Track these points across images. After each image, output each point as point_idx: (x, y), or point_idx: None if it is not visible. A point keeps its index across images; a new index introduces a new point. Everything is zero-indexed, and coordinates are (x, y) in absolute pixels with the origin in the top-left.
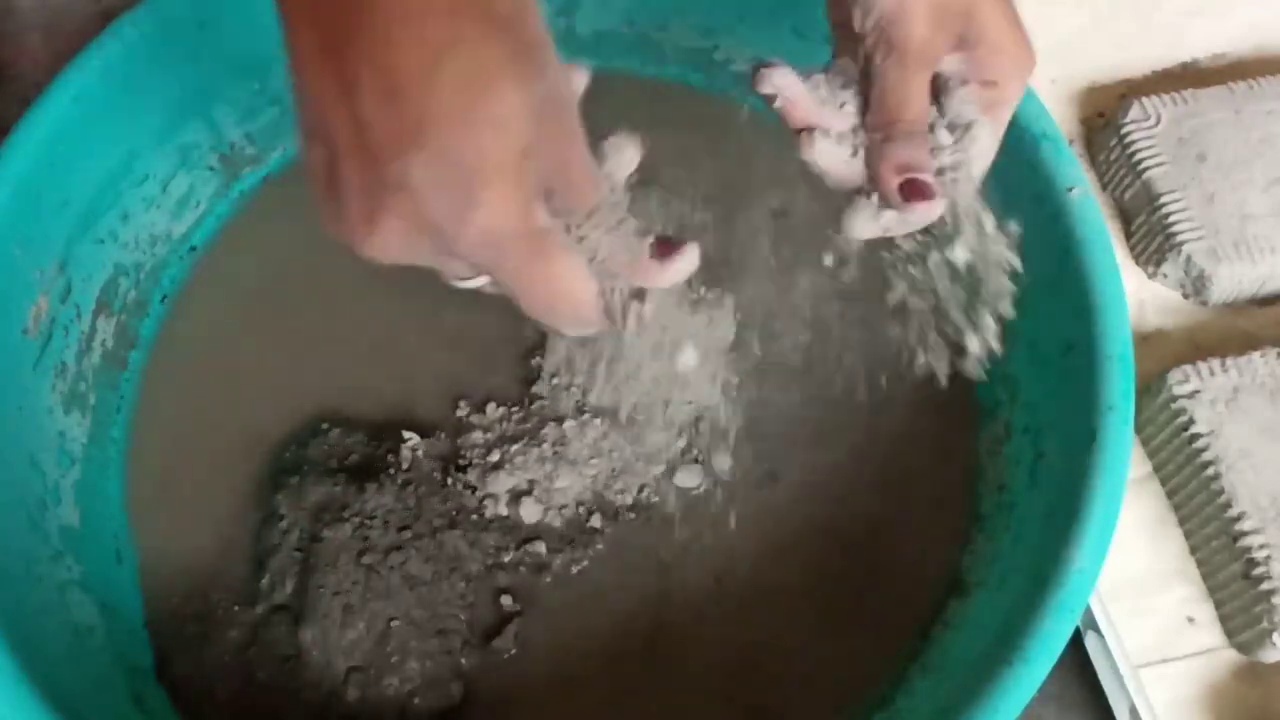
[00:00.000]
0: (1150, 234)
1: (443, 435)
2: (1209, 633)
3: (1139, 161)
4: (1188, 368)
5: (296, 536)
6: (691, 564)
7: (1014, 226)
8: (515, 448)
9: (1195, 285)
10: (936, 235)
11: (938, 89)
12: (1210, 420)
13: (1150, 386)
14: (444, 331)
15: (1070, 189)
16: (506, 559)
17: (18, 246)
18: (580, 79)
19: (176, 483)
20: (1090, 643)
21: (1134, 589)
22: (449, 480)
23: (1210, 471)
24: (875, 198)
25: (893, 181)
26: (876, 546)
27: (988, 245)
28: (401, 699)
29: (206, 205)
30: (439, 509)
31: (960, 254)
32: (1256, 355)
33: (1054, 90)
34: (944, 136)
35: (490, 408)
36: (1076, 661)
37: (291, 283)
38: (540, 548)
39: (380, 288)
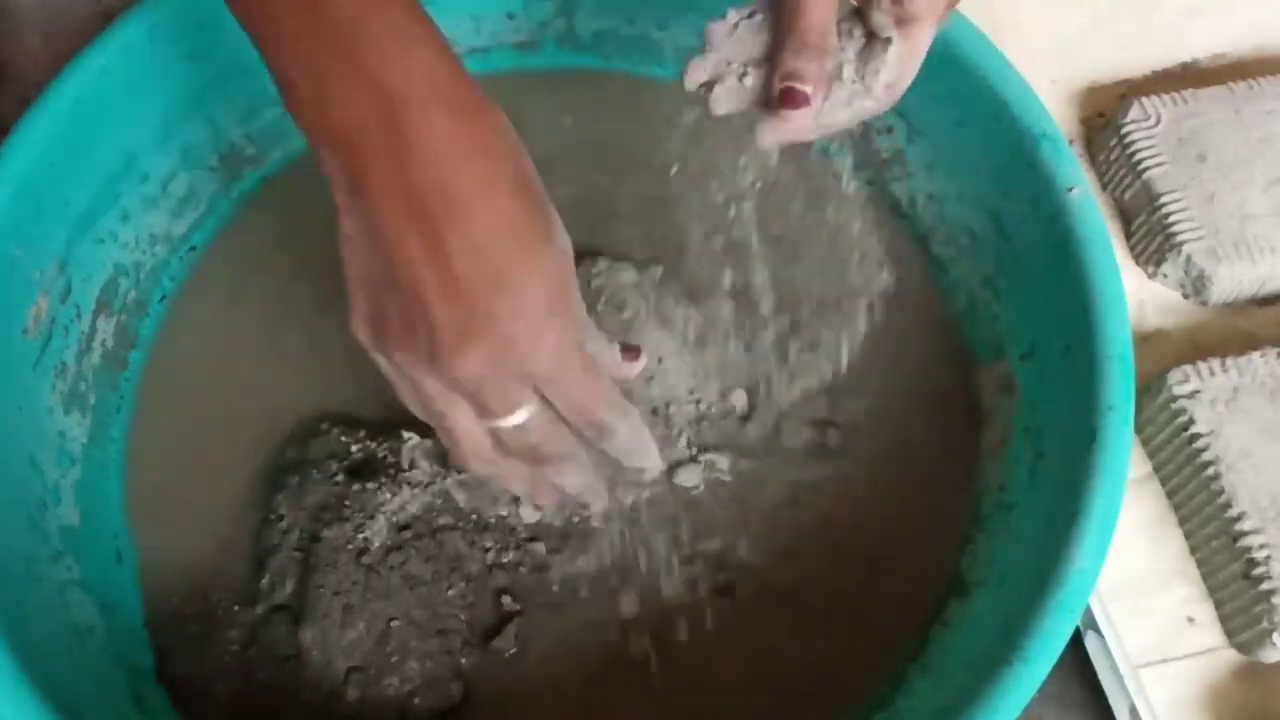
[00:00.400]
0: (1150, 234)
1: None
2: (1209, 633)
3: (1139, 161)
4: (1188, 368)
5: (296, 536)
6: (691, 565)
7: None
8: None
9: (1195, 285)
10: None
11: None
12: (1210, 420)
13: (1150, 386)
14: None
15: (1070, 189)
16: (506, 559)
17: (18, 246)
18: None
19: (176, 482)
20: (1090, 643)
21: (1134, 589)
22: (449, 480)
23: (1210, 471)
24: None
25: (775, 88)
26: (876, 546)
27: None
28: (401, 699)
29: (206, 205)
30: (439, 509)
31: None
32: (1256, 355)
33: (1054, 90)
34: (850, 53)
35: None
36: (1076, 661)
37: (291, 282)
38: (540, 548)
39: None
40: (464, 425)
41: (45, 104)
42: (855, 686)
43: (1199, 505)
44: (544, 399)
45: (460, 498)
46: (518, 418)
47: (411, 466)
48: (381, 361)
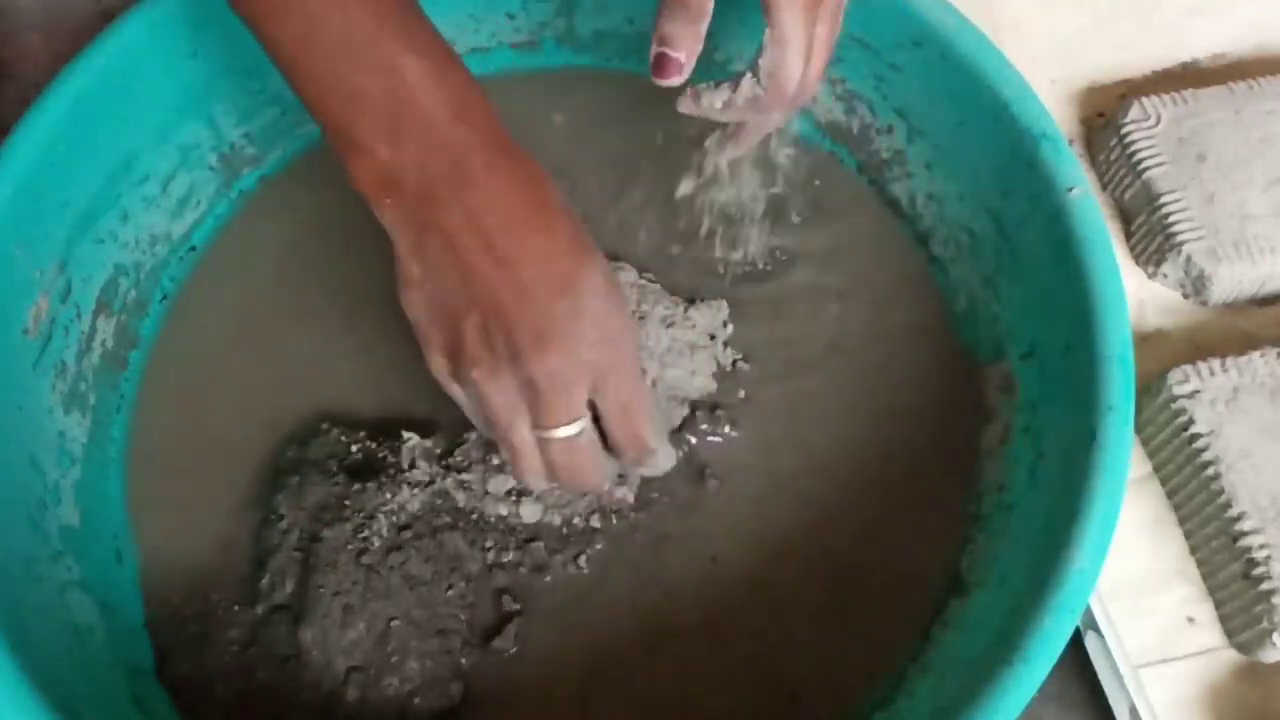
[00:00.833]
0: (1150, 234)
1: (443, 435)
2: (1209, 633)
3: (1139, 161)
4: (1188, 368)
5: (296, 536)
6: (691, 564)
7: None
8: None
9: (1195, 285)
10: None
11: None
12: (1210, 420)
13: (1150, 386)
14: None
15: (1070, 189)
16: (506, 559)
17: (18, 246)
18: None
19: (176, 483)
20: (1090, 643)
21: (1134, 589)
22: (449, 480)
23: (1210, 471)
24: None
25: (652, 52)
26: (876, 546)
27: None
28: (401, 699)
29: (206, 205)
30: (439, 509)
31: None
32: (1256, 355)
33: (1054, 90)
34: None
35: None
36: (1076, 661)
37: (292, 282)
38: (540, 548)
39: (380, 288)
40: (525, 437)
41: (45, 104)
42: (855, 686)
43: (1199, 505)
44: (596, 421)
45: (460, 498)
46: (572, 428)
47: (411, 466)
48: (457, 390)
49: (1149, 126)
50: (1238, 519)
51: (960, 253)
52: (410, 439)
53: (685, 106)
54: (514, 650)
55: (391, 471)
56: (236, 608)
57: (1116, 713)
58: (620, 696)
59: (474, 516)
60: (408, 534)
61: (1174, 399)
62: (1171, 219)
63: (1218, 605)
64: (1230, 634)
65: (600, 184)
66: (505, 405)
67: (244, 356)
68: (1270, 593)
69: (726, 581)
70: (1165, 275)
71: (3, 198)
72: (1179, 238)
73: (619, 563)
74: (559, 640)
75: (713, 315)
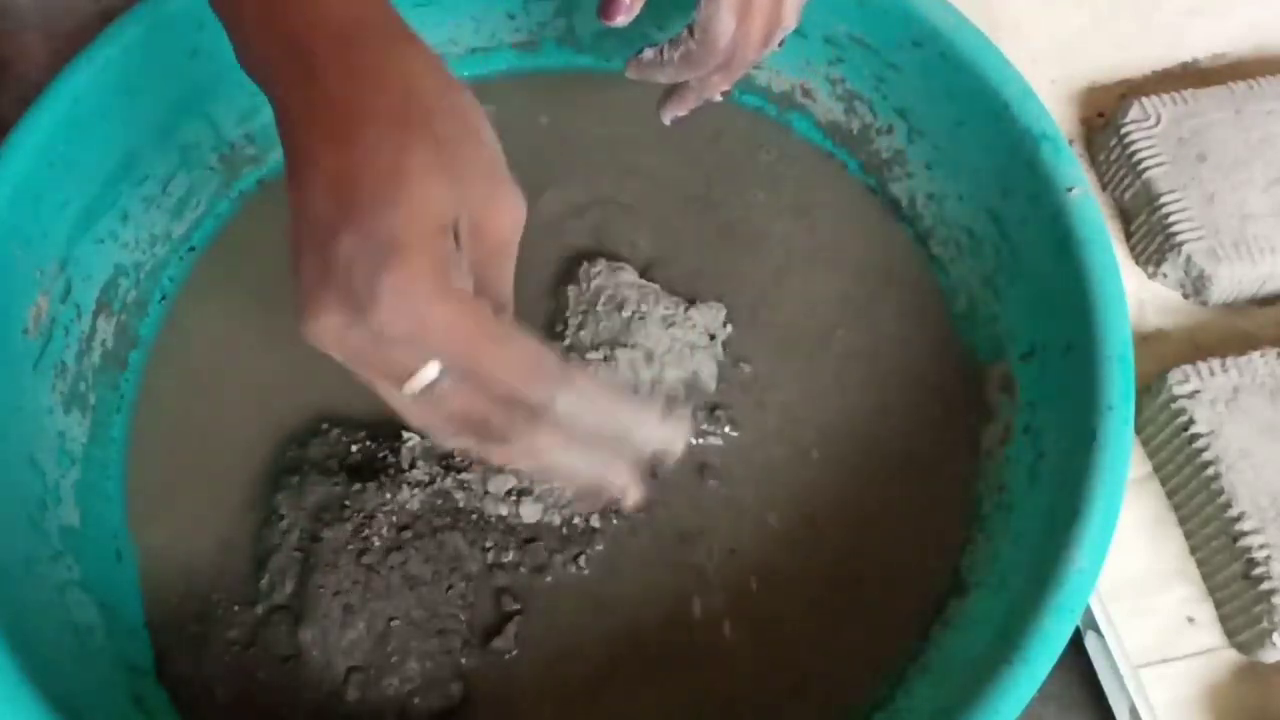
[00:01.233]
0: (1150, 234)
1: None
2: (1209, 633)
3: (1139, 161)
4: (1188, 368)
5: (296, 536)
6: (691, 565)
7: None
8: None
9: (1195, 285)
10: None
11: None
12: (1210, 420)
13: (1150, 386)
14: None
15: (1070, 189)
16: (506, 559)
17: (18, 246)
18: None
19: (176, 482)
20: (1090, 643)
21: (1134, 589)
22: (449, 480)
23: (1210, 471)
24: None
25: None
26: (876, 546)
27: None
28: (401, 699)
29: (206, 205)
30: (439, 509)
31: None
32: (1256, 355)
33: (1054, 90)
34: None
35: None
36: (1076, 661)
37: (291, 283)
38: (540, 548)
39: None
40: (390, 396)
41: (45, 104)
42: (855, 686)
43: (1199, 505)
44: None
45: (460, 498)
46: (423, 378)
47: (411, 466)
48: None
49: (1149, 126)
50: (1238, 519)
51: (960, 253)
52: (410, 439)
53: (631, 71)
54: (514, 650)
55: (391, 471)
56: (236, 608)
57: (1116, 713)
58: (620, 696)
59: (474, 516)
60: (408, 534)
61: (1174, 399)
62: (1171, 219)
63: (1218, 605)
64: (1230, 634)
65: (599, 184)
66: (346, 364)
67: (244, 356)
68: (1270, 593)
69: (726, 581)
70: (1165, 275)
71: (3, 198)
72: (1179, 238)
73: (619, 563)
74: (559, 640)
75: (713, 315)
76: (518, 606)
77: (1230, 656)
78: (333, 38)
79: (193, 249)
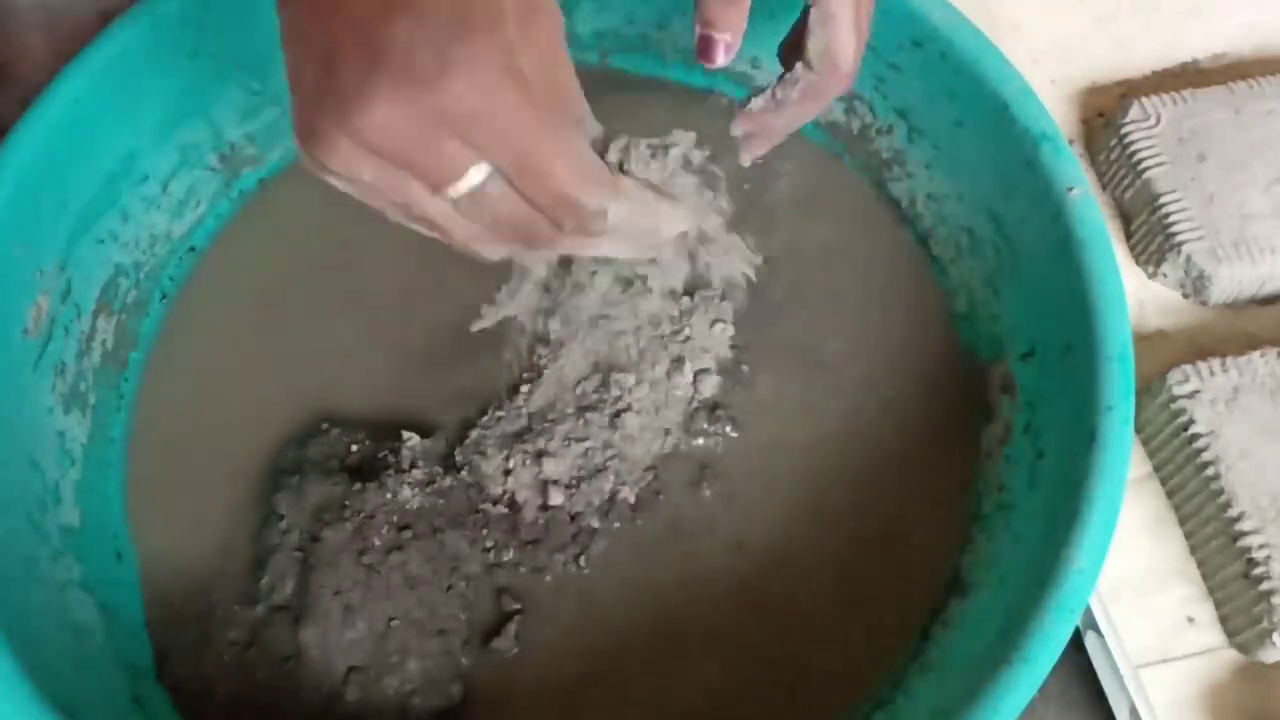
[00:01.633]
0: (1150, 234)
1: (443, 435)
2: (1209, 633)
3: (1139, 161)
4: (1188, 368)
5: (296, 536)
6: (691, 565)
7: None
8: (516, 447)
9: (1195, 285)
10: None
11: None
12: (1210, 420)
13: (1150, 386)
14: (444, 331)
15: (1070, 189)
16: (506, 559)
17: (18, 246)
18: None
19: (176, 482)
20: (1090, 643)
21: (1134, 589)
22: (449, 480)
23: (1210, 471)
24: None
25: (696, 34)
26: (876, 546)
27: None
28: (401, 699)
29: (206, 205)
30: (439, 509)
31: None
32: (1256, 355)
33: (1054, 90)
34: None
35: (490, 407)
36: (1076, 661)
37: (291, 282)
38: (540, 548)
39: (381, 287)
40: (431, 207)
41: (45, 104)
42: (855, 686)
43: (1199, 505)
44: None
45: (460, 498)
46: (468, 180)
47: (411, 466)
48: (333, 181)
49: (1149, 126)
50: (1238, 519)
51: (960, 253)
52: (410, 439)
53: (742, 125)
54: (514, 650)
55: (391, 471)
56: (236, 608)
57: (1116, 713)
58: (620, 697)
59: (474, 516)
60: (408, 534)
61: (1174, 399)
62: (1171, 219)
63: (1218, 605)
64: (1230, 634)
65: None
66: (375, 180)
67: (244, 356)
68: (1270, 593)
69: (726, 582)
70: (1165, 275)
71: (3, 198)
72: (1179, 238)
73: (619, 563)
74: (559, 640)
75: (712, 315)
76: (518, 606)
77: (1230, 656)
78: None
79: (193, 249)
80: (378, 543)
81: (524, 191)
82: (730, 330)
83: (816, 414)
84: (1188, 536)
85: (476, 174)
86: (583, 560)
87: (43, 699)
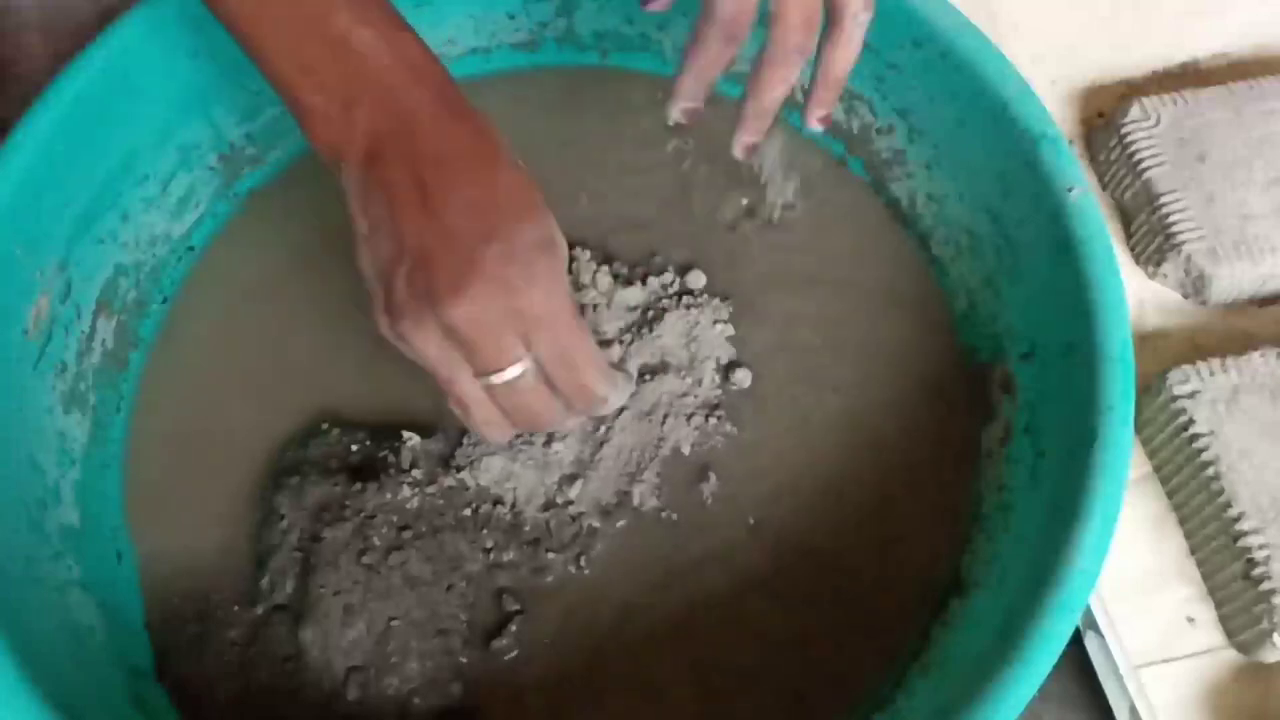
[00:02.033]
0: (1150, 234)
1: (443, 435)
2: (1209, 633)
3: (1139, 161)
4: (1188, 368)
5: (296, 536)
6: (691, 565)
7: None
8: (516, 447)
9: (1195, 285)
10: None
11: None
12: (1210, 420)
13: (1150, 386)
14: None
15: (1070, 189)
16: (506, 559)
17: (18, 246)
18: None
19: (176, 482)
20: (1090, 643)
21: (1134, 589)
22: (449, 480)
23: (1210, 471)
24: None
25: None
26: (876, 546)
27: None
28: (401, 699)
29: (206, 205)
30: (439, 509)
31: None
32: (1256, 355)
33: (1054, 90)
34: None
35: None
36: (1076, 661)
37: (291, 283)
38: (540, 548)
39: None
40: (468, 389)
41: (45, 104)
42: (855, 686)
43: (1199, 505)
44: (537, 363)
45: (460, 498)
46: (512, 371)
47: (412, 466)
48: (404, 348)
49: (1149, 126)
50: (1238, 519)
51: (960, 253)
52: (410, 439)
53: (677, 103)
54: (514, 650)
55: (391, 471)
56: (236, 608)
57: (1116, 713)
58: (620, 697)
59: (474, 516)
60: (408, 534)
61: (1174, 399)
62: (1171, 219)
63: (1218, 605)
64: (1230, 634)
65: (599, 185)
66: (438, 356)
67: (244, 357)
68: (1270, 593)
69: (727, 582)
70: (1165, 275)
71: (3, 198)
72: (1179, 238)
73: (619, 563)
74: (559, 640)
75: (712, 315)
76: (518, 606)
77: (1230, 656)
78: (429, 107)
79: (192, 249)
80: (378, 543)
81: (555, 380)
82: (730, 330)
83: (816, 414)
84: (1188, 536)
85: (519, 368)
86: (583, 560)
87: (43, 699)
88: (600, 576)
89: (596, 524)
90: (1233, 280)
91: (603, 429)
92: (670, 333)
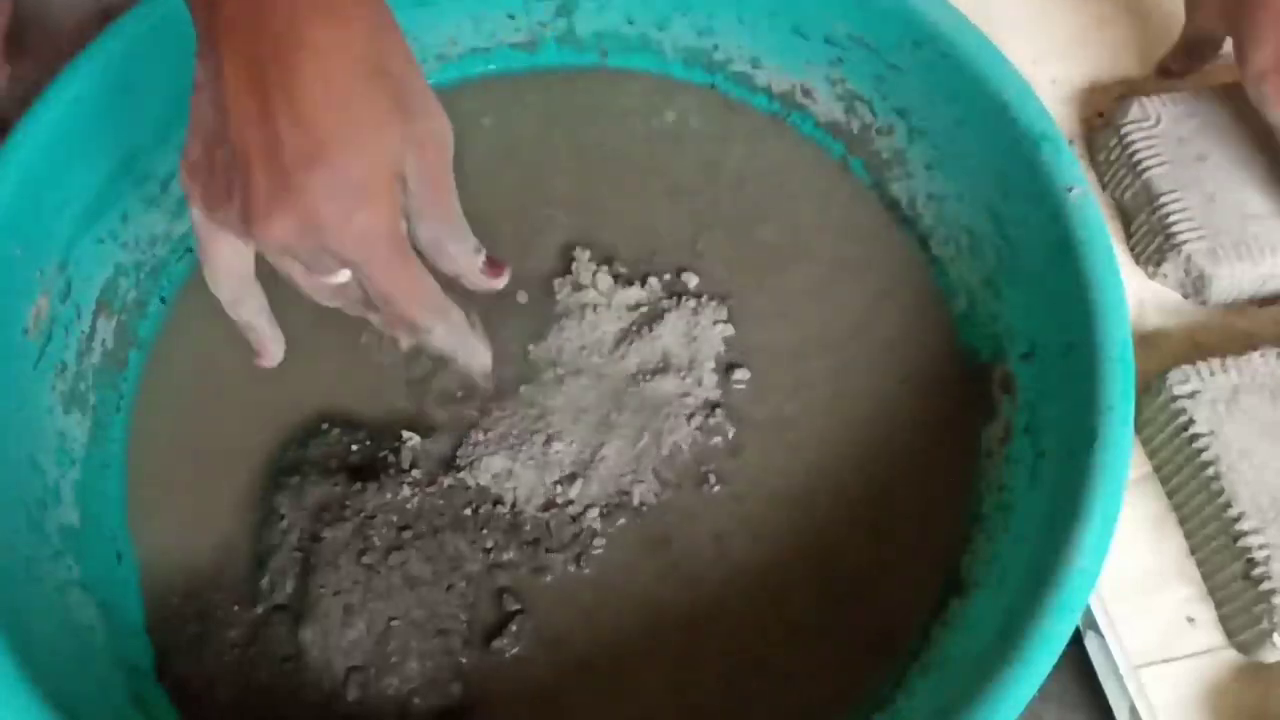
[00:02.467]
0: (1150, 234)
1: (443, 435)
2: (1209, 633)
3: (1139, 161)
4: (1188, 368)
5: (296, 536)
6: (692, 565)
7: None
8: (517, 447)
9: (1195, 285)
10: None
11: None
12: (1210, 420)
13: (1150, 386)
14: None
15: (1070, 189)
16: (506, 559)
17: (18, 246)
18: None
19: (176, 482)
20: (1090, 643)
21: (1134, 589)
22: (449, 480)
23: (1210, 471)
24: None
25: None
26: (876, 546)
27: None
28: (401, 699)
29: None
30: (439, 509)
31: None
32: (1256, 355)
33: (1054, 90)
34: None
35: (491, 407)
36: (1076, 661)
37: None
38: (541, 548)
39: None
40: (299, 277)
41: (45, 104)
42: (855, 686)
43: (1199, 505)
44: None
45: (460, 497)
46: (340, 277)
47: (412, 466)
48: (196, 214)
49: (1149, 126)
50: (1238, 519)
51: (960, 253)
52: (410, 439)
53: None
54: (514, 650)
55: (391, 471)
56: (236, 608)
57: (1116, 713)
58: (620, 697)
59: (474, 516)
60: (408, 534)
61: (1174, 399)
62: (1171, 219)
63: (1218, 605)
64: (1230, 634)
65: (598, 184)
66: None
67: (244, 356)
68: (1270, 593)
69: (727, 581)
70: (1165, 275)
71: (3, 197)
72: (1179, 238)
73: (619, 563)
74: (559, 640)
75: (712, 315)
76: (518, 606)
77: (1230, 656)
78: None
79: (192, 249)
80: (378, 543)
81: (379, 309)
82: (730, 330)
83: (816, 413)
84: (1188, 536)
85: (343, 275)
86: (583, 560)
87: (43, 699)
88: (600, 576)
89: (597, 524)
90: (1233, 280)
91: (605, 428)
92: (670, 333)
